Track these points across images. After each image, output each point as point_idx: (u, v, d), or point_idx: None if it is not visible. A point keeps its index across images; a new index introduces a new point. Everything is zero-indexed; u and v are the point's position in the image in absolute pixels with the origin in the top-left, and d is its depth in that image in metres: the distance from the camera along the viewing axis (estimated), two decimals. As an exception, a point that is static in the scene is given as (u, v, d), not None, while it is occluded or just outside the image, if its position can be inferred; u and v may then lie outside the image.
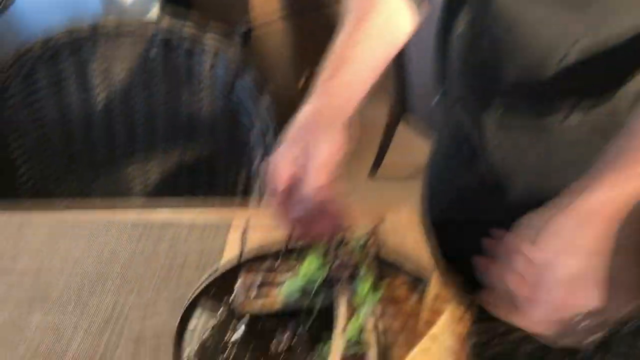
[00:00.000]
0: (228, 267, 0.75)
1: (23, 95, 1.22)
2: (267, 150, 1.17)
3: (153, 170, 1.29)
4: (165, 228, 0.85)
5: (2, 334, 0.68)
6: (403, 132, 2.26)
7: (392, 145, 2.28)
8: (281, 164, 0.67)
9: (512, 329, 0.98)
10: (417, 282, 0.69)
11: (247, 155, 1.21)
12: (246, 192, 1.18)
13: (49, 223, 0.86)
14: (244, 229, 0.85)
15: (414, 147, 2.23)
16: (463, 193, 0.89)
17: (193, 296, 0.70)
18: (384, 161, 2.32)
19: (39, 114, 1.23)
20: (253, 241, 0.82)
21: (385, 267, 0.71)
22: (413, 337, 0.59)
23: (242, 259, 0.76)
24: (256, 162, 1.18)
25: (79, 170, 1.27)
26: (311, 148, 0.66)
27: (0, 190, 1.21)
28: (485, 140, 0.79)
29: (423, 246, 0.82)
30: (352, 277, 0.67)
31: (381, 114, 2.23)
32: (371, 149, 2.32)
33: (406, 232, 0.85)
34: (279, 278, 0.71)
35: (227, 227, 0.85)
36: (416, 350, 0.56)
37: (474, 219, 0.92)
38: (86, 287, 0.75)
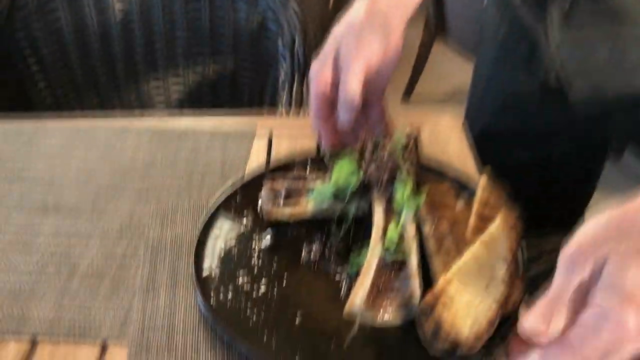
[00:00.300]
0: (253, 175, 0.69)
1: (37, 5, 1.15)
2: (295, 61, 1.09)
3: (174, 86, 1.23)
4: (185, 136, 0.79)
5: (15, 240, 0.64)
6: (439, 53, 2.13)
7: (427, 67, 2.16)
8: (323, 66, 0.61)
9: (559, 248, 0.91)
10: (462, 189, 0.62)
11: (273, 68, 1.13)
12: (272, 105, 1.11)
13: (63, 130, 0.80)
14: (270, 136, 0.79)
15: (451, 69, 2.11)
16: (515, 99, 0.82)
17: (216, 204, 0.65)
18: (418, 84, 2.20)
19: (54, 25, 1.17)
20: (279, 151, 0.76)
21: (427, 173, 0.64)
22: (459, 245, 0.53)
23: (269, 168, 0.70)
24: (283, 75, 1.10)
25: (98, 85, 1.22)
26: (361, 48, 0.59)
27: (20, 106, 1.16)
28: (549, 37, 0.72)
29: (467, 153, 0.74)
30: (391, 182, 0.60)
31: (415, 32, 2.09)
32: (404, 70, 2.20)
33: (448, 140, 0.77)
34: (309, 185, 0.64)
35: (251, 136, 0.79)
36: (466, 257, 0.50)
37: (523, 129, 0.84)
38: (102, 195, 0.70)
